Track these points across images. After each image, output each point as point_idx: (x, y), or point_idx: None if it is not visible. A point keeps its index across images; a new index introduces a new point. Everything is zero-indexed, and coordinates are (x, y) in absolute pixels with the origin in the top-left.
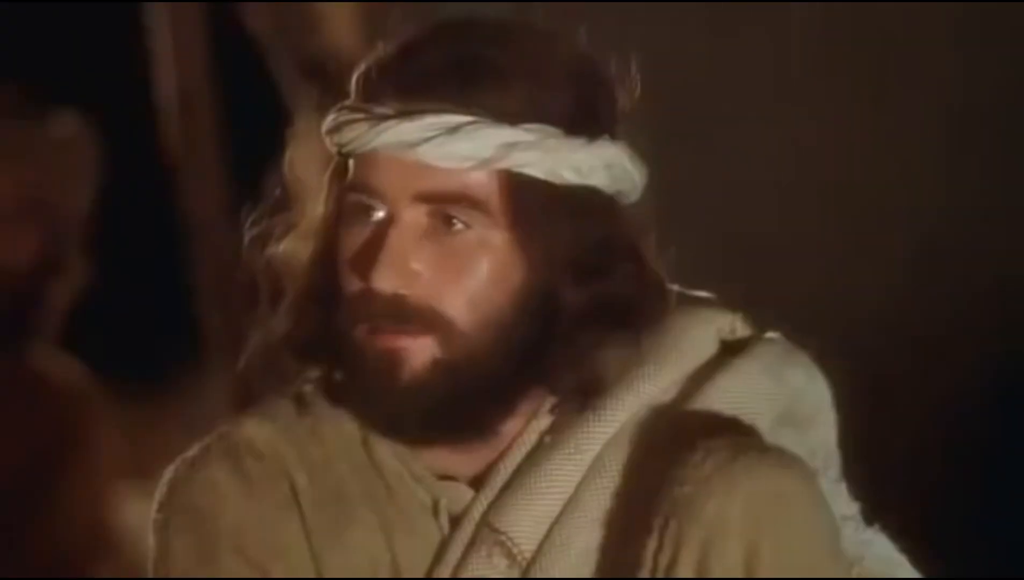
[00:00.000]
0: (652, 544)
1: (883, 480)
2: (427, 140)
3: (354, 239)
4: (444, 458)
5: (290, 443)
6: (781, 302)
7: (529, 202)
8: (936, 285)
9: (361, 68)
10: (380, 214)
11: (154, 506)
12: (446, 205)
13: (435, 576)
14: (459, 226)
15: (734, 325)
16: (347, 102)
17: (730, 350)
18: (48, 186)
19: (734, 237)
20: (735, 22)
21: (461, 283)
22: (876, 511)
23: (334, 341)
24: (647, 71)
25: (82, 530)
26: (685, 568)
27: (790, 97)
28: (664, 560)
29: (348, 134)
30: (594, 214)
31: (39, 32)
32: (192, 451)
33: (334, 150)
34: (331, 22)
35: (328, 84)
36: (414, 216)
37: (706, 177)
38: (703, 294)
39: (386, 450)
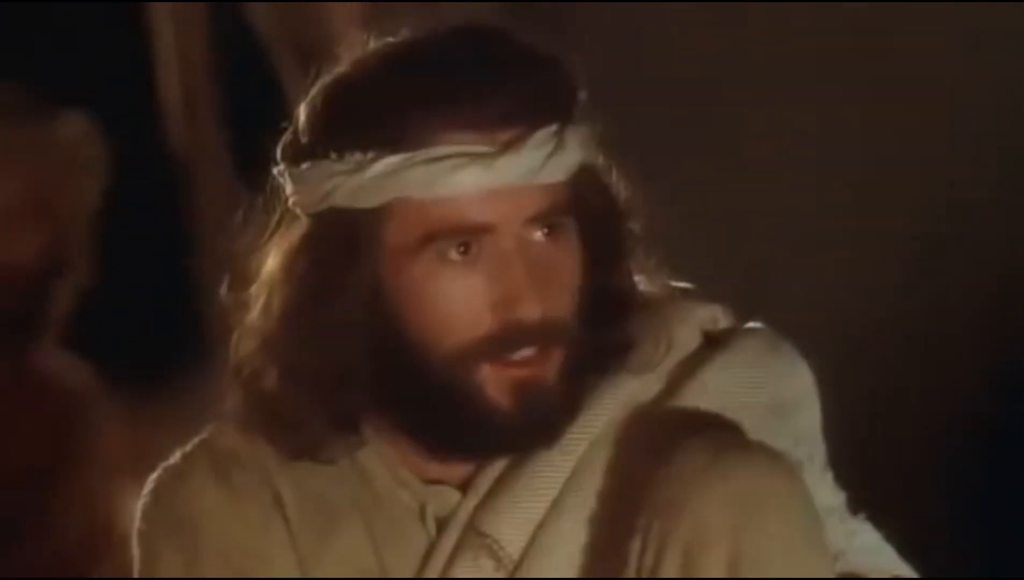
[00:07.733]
0: (636, 545)
1: (883, 480)
2: (547, 160)
3: (452, 285)
4: (433, 463)
5: (273, 450)
6: (779, 301)
7: (586, 189)
8: (937, 285)
9: (387, 112)
10: (488, 248)
11: (138, 516)
12: (552, 217)
13: None
14: (559, 232)
15: (716, 316)
16: (409, 156)
17: (713, 342)
18: (53, 186)
19: (731, 236)
20: (736, 18)
21: (569, 285)
22: (875, 511)
23: (408, 390)
24: (645, 66)
25: (84, 530)
26: (669, 569)
27: (788, 95)
28: (648, 561)
29: (456, 178)
30: (604, 191)
31: (43, 32)
32: (175, 460)
33: (419, 195)
34: (335, 21)
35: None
36: (529, 237)
37: (703, 177)
38: (684, 285)
39: (371, 456)
